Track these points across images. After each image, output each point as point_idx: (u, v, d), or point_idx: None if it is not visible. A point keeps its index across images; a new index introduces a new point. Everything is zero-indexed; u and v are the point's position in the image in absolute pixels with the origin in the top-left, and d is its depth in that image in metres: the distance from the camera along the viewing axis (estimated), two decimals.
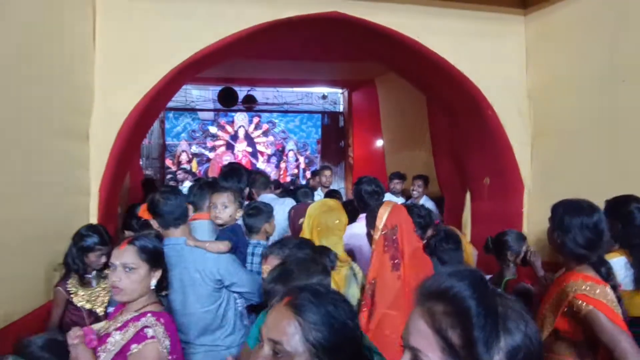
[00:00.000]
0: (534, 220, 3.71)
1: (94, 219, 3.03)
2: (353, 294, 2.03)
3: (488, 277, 3.02)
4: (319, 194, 5.20)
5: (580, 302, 1.80)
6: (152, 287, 1.75)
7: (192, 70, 3.70)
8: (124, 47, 3.19)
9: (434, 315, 0.77)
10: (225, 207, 2.51)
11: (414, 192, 5.10)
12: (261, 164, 10.36)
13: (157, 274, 1.78)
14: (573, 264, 1.95)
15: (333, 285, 1.94)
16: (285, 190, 5.25)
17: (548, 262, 2.91)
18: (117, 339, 1.62)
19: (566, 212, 1.97)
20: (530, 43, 3.85)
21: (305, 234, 2.08)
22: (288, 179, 10.20)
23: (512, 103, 3.80)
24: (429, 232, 2.80)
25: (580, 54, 3.41)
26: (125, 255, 1.72)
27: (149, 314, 1.66)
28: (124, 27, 3.20)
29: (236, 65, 5.94)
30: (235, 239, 2.45)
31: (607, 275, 1.95)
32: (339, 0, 3.47)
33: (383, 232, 2.01)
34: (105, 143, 3.10)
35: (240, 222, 2.77)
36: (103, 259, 2.56)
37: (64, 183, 2.83)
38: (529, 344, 0.75)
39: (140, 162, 7.63)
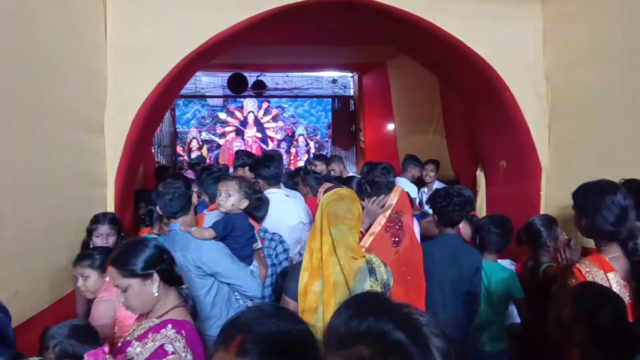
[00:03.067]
0: (552, 203, 3.66)
1: (111, 209, 3.06)
2: (363, 288, 1.86)
3: (513, 265, 2.99)
4: None
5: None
6: (156, 294, 1.64)
7: (203, 58, 3.67)
8: (135, 38, 3.17)
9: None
10: (229, 196, 2.47)
11: (427, 177, 5.03)
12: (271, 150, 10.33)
13: (155, 278, 1.65)
14: (603, 244, 1.98)
15: (340, 278, 1.87)
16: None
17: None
18: (137, 351, 1.56)
19: (589, 195, 2.01)
20: (547, 23, 3.75)
21: (317, 222, 2.04)
22: (300, 163, 10.17)
23: (529, 85, 3.72)
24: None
25: (598, 33, 3.31)
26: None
27: (169, 325, 1.59)
28: (134, 17, 3.19)
29: (245, 51, 5.89)
30: (225, 227, 2.41)
31: (634, 251, 1.95)
32: None
33: (394, 214, 2.22)
34: (119, 133, 3.11)
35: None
36: (110, 240, 2.67)
37: (81, 174, 2.85)
38: (450, 344, 0.74)
39: (152, 150, 7.65)
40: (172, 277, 1.73)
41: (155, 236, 2.95)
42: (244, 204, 2.51)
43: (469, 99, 4.38)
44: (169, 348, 1.52)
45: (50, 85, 2.48)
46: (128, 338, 1.67)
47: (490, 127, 4.17)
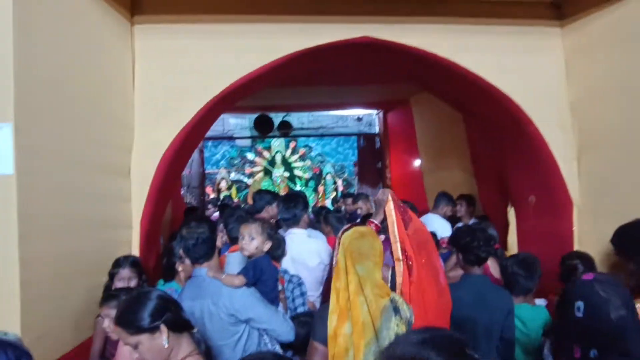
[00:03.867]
0: (586, 238, 3.52)
1: (136, 252, 3.10)
2: (389, 327, 1.82)
3: (544, 302, 2.85)
4: None
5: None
6: (166, 346, 1.61)
7: (227, 102, 3.77)
8: (161, 83, 3.29)
9: None
10: (252, 239, 2.45)
11: (459, 213, 4.94)
12: (299, 189, 10.39)
13: (162, 330, 1.62)
14: None
15: (368, 318, 1.84)
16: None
17: None
18: None
19: (630, 236, 2.08)
20: (569, 55, 3.72)
21: (340, 262, 2.03)
22: (327, 202, 10.16)
23: (554, 118, 3.66)
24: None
25: (621, 63, 3.25)
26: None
27: None
28: (160, 64, 3.32)
29: (271, 92, 6.03)
30: (254, 272, 2.38)
31: None
32: (368, 25, 3.47)
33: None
34: (145, 177, 3.19)
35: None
36: (132, 283, 2.67)
37: (107, 217, 2.91)
38: None
39: (182, 192, 7.81)
40: (180, 324, 1.69)
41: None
42: (267, 245, 2.50)
43: (493, 133, 4.33)
44: None
45: (77, 130, 2.58)
46: None
47: (517, 162, 4.09)
